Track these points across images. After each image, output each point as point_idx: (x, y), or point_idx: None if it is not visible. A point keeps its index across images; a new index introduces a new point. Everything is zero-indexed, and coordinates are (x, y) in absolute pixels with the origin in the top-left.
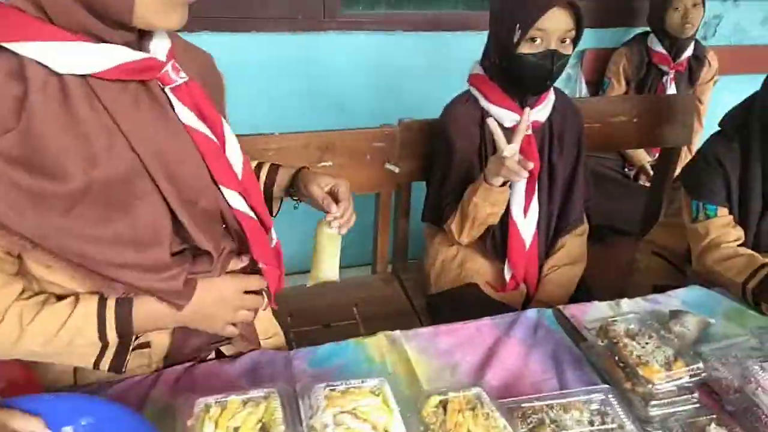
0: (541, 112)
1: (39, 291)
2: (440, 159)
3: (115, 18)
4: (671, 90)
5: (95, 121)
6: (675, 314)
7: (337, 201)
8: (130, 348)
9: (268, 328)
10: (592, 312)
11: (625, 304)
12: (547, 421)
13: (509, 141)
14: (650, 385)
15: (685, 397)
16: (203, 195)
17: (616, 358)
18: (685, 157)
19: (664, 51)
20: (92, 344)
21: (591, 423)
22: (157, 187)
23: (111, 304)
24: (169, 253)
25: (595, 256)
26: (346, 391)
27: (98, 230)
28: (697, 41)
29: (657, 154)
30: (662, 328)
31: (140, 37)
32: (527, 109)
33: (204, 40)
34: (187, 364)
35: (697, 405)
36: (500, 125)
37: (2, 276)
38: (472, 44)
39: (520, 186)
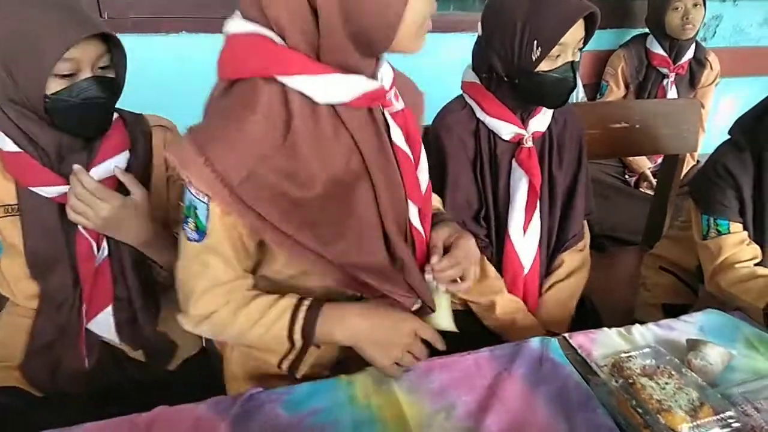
0: (541, 120)
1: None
2: (433, 172)
3: (376, 48)
4: (672, 94)
5: (338, 141)
6: (694, 345)
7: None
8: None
9: None
10: (601, 340)
11: (637, 332)
12: None
13: (501, 159)
14: None
15: None
16: (397, 208)
17: (633, 402)
18: (688, 163)
19: (663, 53)
20: (280, 342)
21: None
22: (375, 201)
23: (303, 308)
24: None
25: (596, 268)
26: None
27: (337, 231)
28: (697, 43)
29: (658, 161)
30: (682, 364)
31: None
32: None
33: None
34: (158, 409)
35: None
36: (497, 137)
37: (241, 269)
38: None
39: (520, 201)
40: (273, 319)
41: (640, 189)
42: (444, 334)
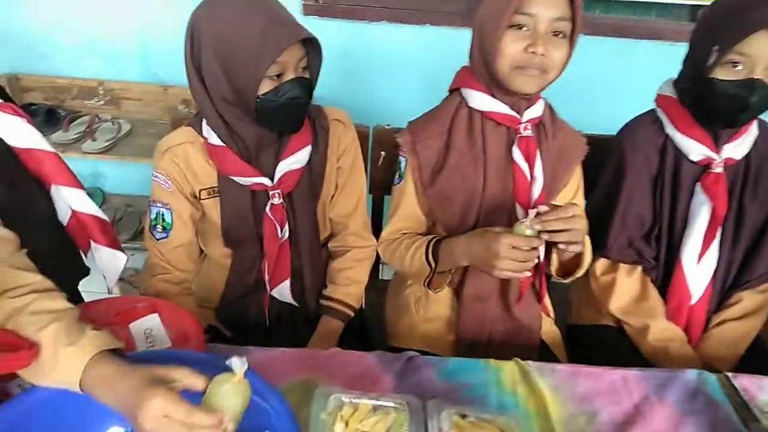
0: (738, 148)
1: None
2: (608, 182)
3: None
4: None
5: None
6: None
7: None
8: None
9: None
10: None
11: None
12: None
13: (684, 180)
14: None
15: None
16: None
17: None
18: None
19: None
20: (424, 266)
21: None
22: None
23: (433, 241)
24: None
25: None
26: (476, 423)
27: None
28: None
29: None
30: None
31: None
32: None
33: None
34: (333, 350)
35: None
36: (685, 158)
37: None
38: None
39: (699, 227)
40: (416, 250)
41: None
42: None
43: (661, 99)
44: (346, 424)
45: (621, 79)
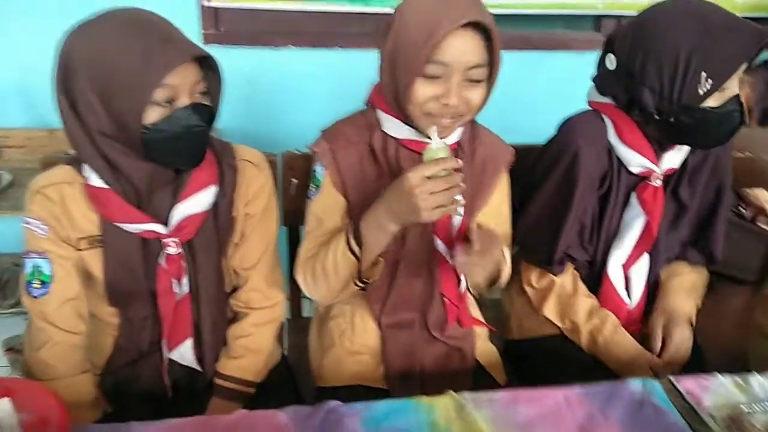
0: (677, 156)
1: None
2: (554, 189)
3: None
4: None
5: None
6: None
7: None
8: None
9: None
10: (714, 389)
11: (756, 382)
12: None
13: (620, 189)
14: None
15: None
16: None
17: None
18: None
19: None
20: (346, 258)
21: None
22: None
23: (350, 228)
24: None
25: (704, 307)
26: None
27: None
28: None
29: None
30: None
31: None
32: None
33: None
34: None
35: None
36: (624, 167)
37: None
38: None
39: (629, 240)
40: (335, 244)
41: (758, 224)
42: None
43: (600, 106)
44: None
45: (533, 90)
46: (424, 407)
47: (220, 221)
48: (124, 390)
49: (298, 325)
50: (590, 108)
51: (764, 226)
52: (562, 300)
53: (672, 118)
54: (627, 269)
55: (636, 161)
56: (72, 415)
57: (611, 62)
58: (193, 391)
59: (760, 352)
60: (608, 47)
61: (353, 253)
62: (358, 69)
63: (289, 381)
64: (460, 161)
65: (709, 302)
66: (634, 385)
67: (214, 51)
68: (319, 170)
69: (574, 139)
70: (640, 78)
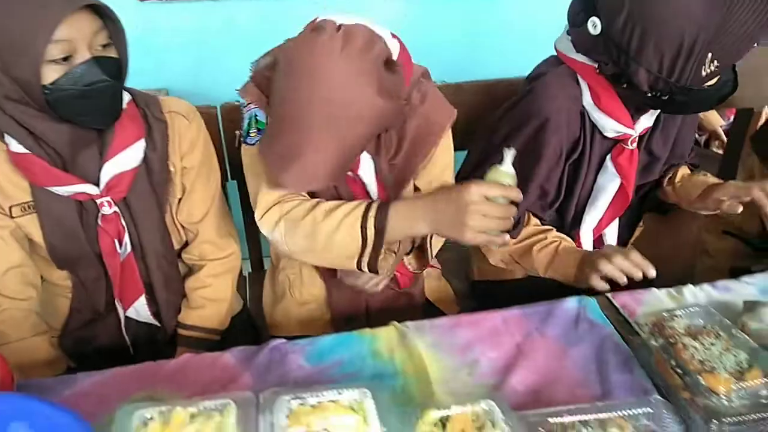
0: (652, 116)
1: None
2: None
3: None
4: None
5: None
6: (751, 306)
7: None
8: (382, 249)
9: None
10: (648, 301)
11: (689, 292)
12: None
13: (594, 153)
14: (715, 398)
15: (762, 415)
16: None
17: (672, 362)
18: (763, 119)
19: None
20: (352, 238)
21: None
22: None
23: (375, 204)
24: None
25: (658, 232)
26: (317, 406)
27: None
28: None
29: (731, 117)
30: (734, 325)
31: None
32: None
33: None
34: (185, 356)
35: None
36: (599, 131)
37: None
38: None
39: (603, 203)
40: (347, 210)
41: (711, 148)
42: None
43: (577, 65)
44: None
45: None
46: (366, 338)
47: (154, 177)
48: (84, 349)
49: (259, 277)
50: (562, 61)
51: (716, 150)
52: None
53: (665, 96)
54: (599, 232)
55: (611, 126)
56: (28, 374)
57: (595, 27)
58: (155, 344)
59: (701, 267)
60: (588, 4)
61: (364, 231)
62: (291, 18)
63: (250, 330)
64: (521, 194)
65: (664, 228)
66: (570, 302)
67: (155, 7)
68: (260, 114)
69: (544, 104)
70: (636, 56)
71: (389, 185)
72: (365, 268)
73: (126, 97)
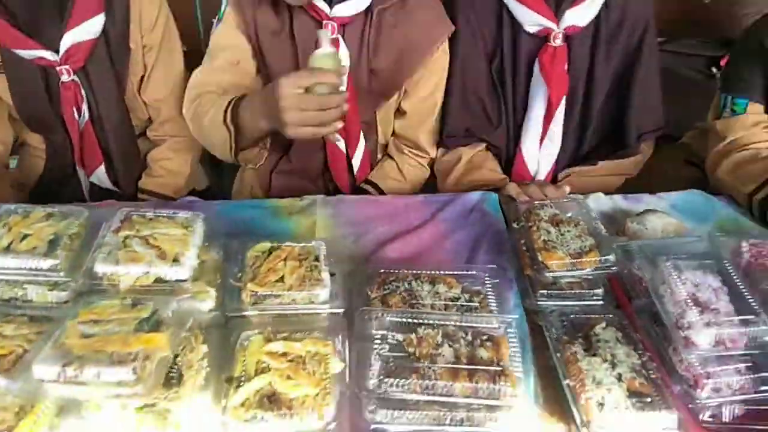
0: (584, 12)
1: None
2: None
3: None
4: None
5: None
6: (643, 213)
7: None
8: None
9: None
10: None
11: (595, 199)
12: (401, 288)
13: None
14: (546, 272)
15: (587, 291)
16: None
17: (523, 241)
18: None
19: None
20: (221, 129)
21: (454, 299)
22: None
23: (233, 101)
24: None
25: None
26: (153, 218)
27: None
28: None
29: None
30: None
31: None
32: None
33: None
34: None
35: (601, 302)
36: (522, 29)
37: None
38: None
39: (537, 115)
40: (216, 107)
41: None
42: None
43: None
44: (9, 229)
45: None
46: (273, 204)
47: (113, 50)
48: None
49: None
50: None
51: None
52: (460, 172)
53: None
54: (540, 146)
55: (531, 20)
56: None
57: None
58: None
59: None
60: None
61: (227, 127)
62: None
63: None
64: (344, 81)
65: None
66: (473, 195)
67: None
68: (224, 2)
69: (453, 11)
70: None
71: (364, 94)
72: (231, 155)
73: None
